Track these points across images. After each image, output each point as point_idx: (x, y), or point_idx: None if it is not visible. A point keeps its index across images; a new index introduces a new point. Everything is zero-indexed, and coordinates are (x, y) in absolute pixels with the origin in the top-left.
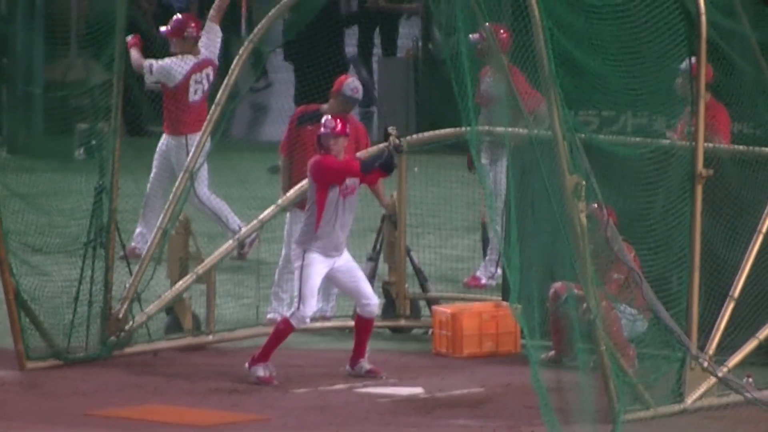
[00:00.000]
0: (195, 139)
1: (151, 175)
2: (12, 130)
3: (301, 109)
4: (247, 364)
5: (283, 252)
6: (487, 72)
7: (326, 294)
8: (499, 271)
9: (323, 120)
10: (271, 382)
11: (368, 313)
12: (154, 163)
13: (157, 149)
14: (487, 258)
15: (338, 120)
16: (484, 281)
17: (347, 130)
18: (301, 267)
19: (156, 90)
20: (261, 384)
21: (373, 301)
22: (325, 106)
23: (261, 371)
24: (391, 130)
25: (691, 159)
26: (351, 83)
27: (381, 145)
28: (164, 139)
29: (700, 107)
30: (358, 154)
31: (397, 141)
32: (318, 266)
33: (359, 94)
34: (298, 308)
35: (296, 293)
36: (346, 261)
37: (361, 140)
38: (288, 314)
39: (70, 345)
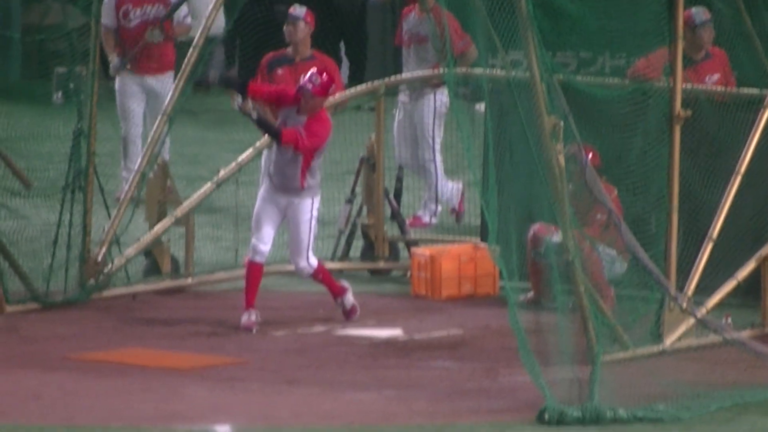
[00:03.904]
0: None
1: None
2: None
3: (269, 55)
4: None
5: None
6: (411, 11)
7: None
8: (440, 207)
9: (310, 73)
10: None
11: (300, 275)
12: None
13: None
14: (426, 197)
15: (324, 78)
16: (426, 220)
17: (327, 93)
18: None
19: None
20: None
21: (298, 266)
22: (289, 49)
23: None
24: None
25: (668, 100)
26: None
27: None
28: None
29: (678, 48)
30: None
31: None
32: (264, 197)
33: (294, 10)
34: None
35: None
36: (294, 211)
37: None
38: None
39: (49, 288)
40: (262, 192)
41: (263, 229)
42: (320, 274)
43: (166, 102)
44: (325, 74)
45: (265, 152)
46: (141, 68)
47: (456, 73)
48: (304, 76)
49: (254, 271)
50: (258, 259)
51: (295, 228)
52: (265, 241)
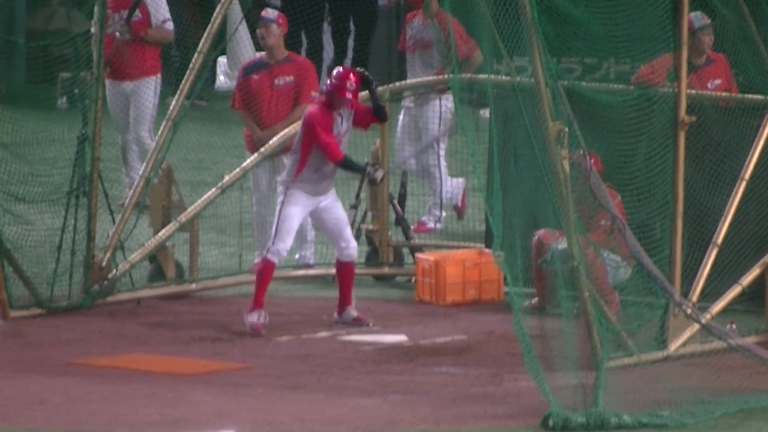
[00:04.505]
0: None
1: None
2: None
3: (244, 62)
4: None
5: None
6: (415, 17)
7: (302, 241)
8: (444, 213)
9: (337, 71)
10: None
11: (347, 257)
12: None
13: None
14: (431, 202)
15: (352, 79)
16: (431, 225)
17: (353, 104)
18: (282, 203)
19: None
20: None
21: (351, 244)
22: (263, 54)
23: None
24: (371, 169)
25: (673, 106)
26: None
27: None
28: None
29: (683, 53)
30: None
31: (374, 174)
32: (299, 203)
33: (266, 13)
34: (273, 243)
35: (273, 229)
36: (331, 200)
37: (308, 78)
38: (264, 252)
39: (53, 294)
40: (294, 199)
41: (291, 236)
42: None
43: (171, 107)
44: (352, 75)
45: (260, 164)
46: (119, 74)
47: (461, 79)
48: (337, 85)
49: (269, 271)
50: (276, 261)
51: (339, 216)
52: (289, 247)
